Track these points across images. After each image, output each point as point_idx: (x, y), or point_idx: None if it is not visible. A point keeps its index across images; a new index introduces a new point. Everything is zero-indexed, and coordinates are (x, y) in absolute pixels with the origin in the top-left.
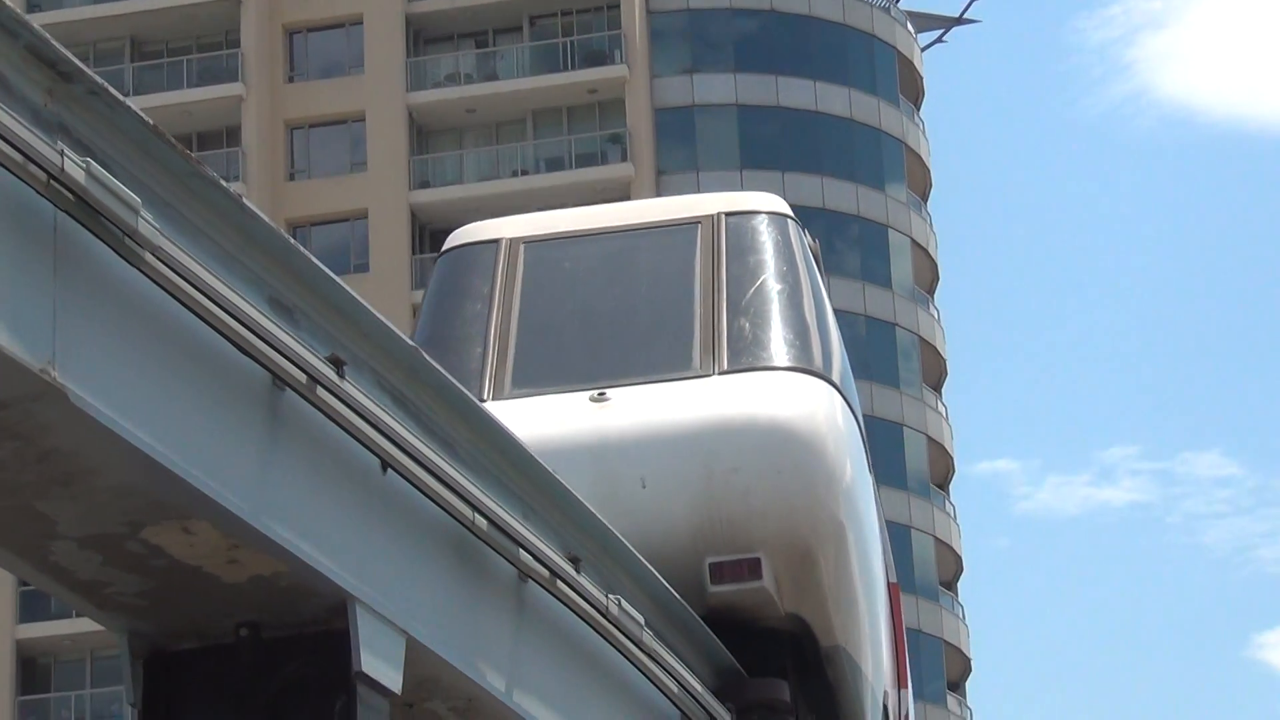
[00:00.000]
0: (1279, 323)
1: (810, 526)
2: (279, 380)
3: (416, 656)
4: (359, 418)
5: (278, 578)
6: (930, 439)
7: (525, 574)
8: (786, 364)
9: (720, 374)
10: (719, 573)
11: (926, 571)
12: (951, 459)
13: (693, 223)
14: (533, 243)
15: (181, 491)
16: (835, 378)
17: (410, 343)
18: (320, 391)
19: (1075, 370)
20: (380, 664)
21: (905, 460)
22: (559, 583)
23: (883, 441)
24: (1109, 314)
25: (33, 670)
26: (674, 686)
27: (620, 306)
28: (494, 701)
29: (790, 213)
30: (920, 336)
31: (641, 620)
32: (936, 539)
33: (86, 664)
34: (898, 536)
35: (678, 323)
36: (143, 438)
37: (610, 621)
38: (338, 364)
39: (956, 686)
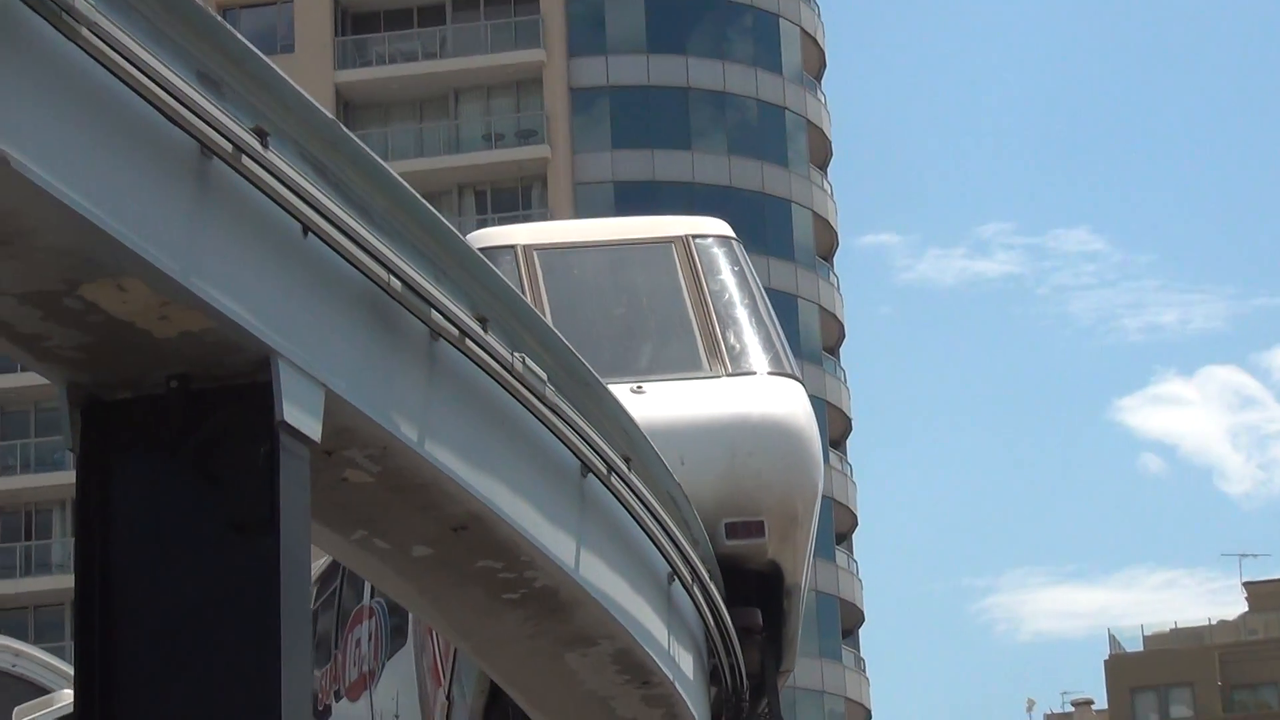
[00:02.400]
0: (1147, 106)
1: (800, 498)
2: (206, 149)
3: (335, 408)
4: (281, 185)
5: (205, 333)
6: (816, 214)
7: (436, 333)
8: (775, 370)
9: (728, 376)
10: (732, 531)
11: (811, 338)
12: (836, 233)
13: (666, 242)
14: (544, 250)
15: (115, 251)
16: (800, 376)
17: (330, 116)
18: (245, 160)
19: (955, 148)
20: (301, 414)
21: (793, 234)
22: (468, 341)
23: (773, 217)
24: (990, 94)
25: None
26: (575, 438)
27: (629, 311)
28: (407, 450)
29: (734, 235)
30: (808, 119)
31: (544, 377)
32: (821, 308)
33: (30, 414)
34: (785, 305)
35: (680, 329)
36: (79, 200)
37: (515, 378)
38: (261, 135)
39: (838, 444)
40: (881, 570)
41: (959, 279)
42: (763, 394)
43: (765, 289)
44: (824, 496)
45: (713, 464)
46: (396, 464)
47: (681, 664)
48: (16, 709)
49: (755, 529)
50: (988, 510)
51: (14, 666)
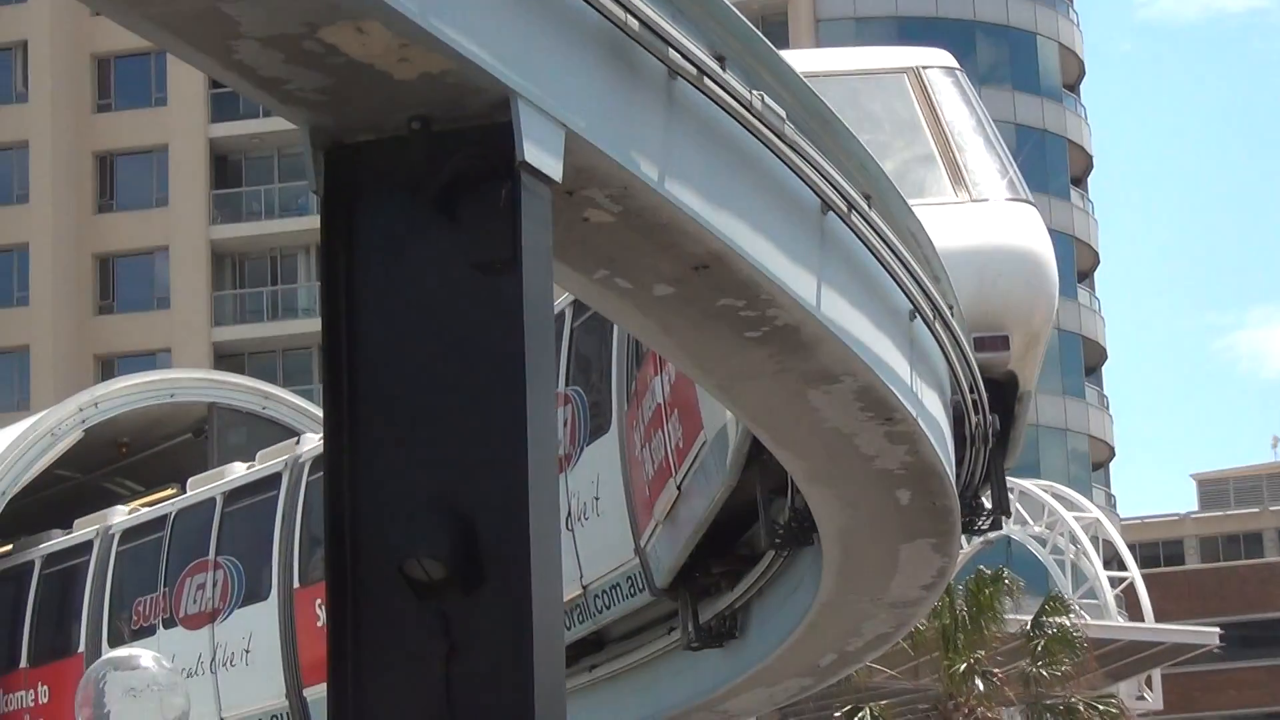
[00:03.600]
0: None
1: (1040, 316)
2: None
3: (574, 147)
4: None
5: (445, 75)
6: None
7: (674, 71)
8: (1012, 196)
9: (971, 202)
10: (980, 345)
11: (1050, 75)
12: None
13: (899, 72)
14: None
15: None
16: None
17: None
18: None
19: None
20: (541, 153)
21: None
22: (706, 79)
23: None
24: None
25: (224, 167)
26: (814, 176)
27: (871, 141)
28: (647, 189)
29: (958, 65)
30: None
31: (783, 114)
32: (1060, 44)
33: (274, 160)
34: (1022, 41)
35: (922, 157)
36: None
37: (754, 115)
38: None
39: (1079, 181)
40: (1124, 309)
41: (1201, 14)
42: (1006, 220)
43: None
44: (1064, 233)
45: (963, 286)
46: (637, 203)
47: (924, 400)
48: (260, 452)
49: (1001, 344)
50: (1232, 247)
51: (264, 409)
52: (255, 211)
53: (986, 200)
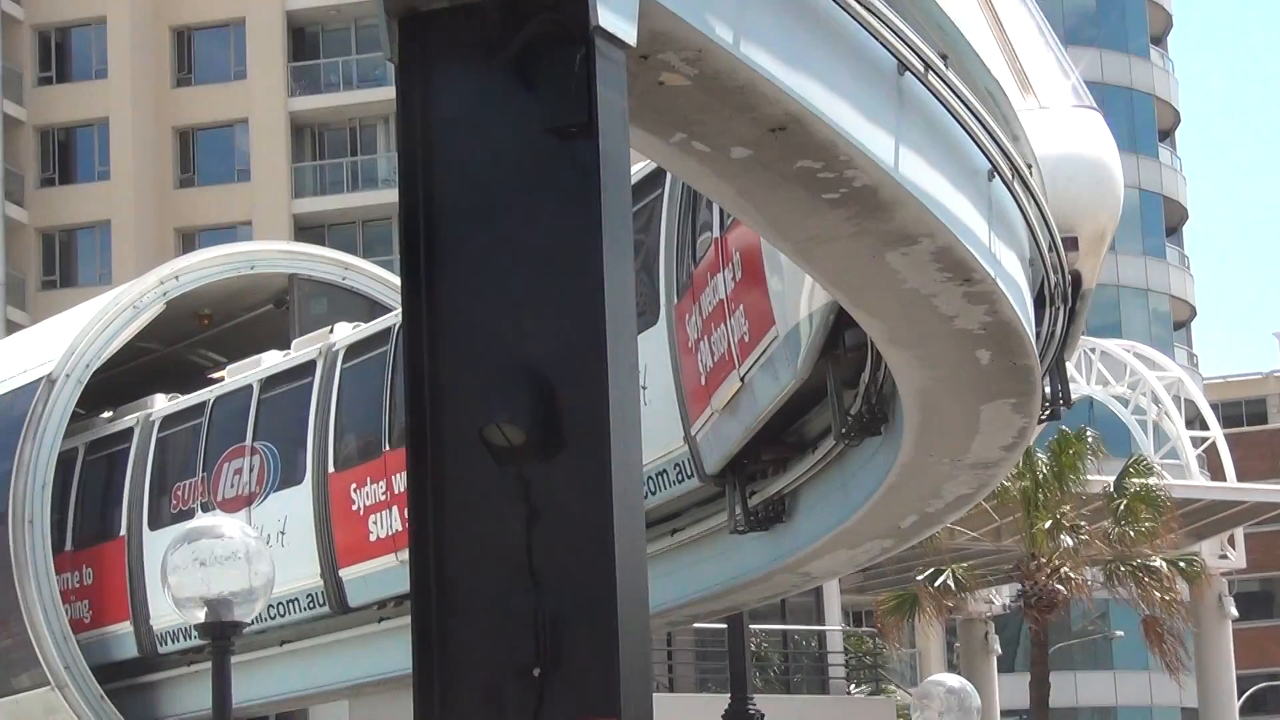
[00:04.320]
0: None
1: (1107, 218)
2: None
3: (649, 11)
4: None
5: None
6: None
7: None
8: (1079, 103)
9: (1042, 109)
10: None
11: (1138, 32)
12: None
13: None
14: None
15: None
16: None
17: None
18: None
19: None
20: (616, 18)
21: None
22: None
23: None
24: None
25: (302, 39)
26: (890, 36)
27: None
28: (723, 52)
29: None
30: None
31: None
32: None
33: (351, 31)
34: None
35: (989, 61)
36: None
37: None
38: None
39: (1166, 136)
40: (1206, 169)
41: None
42: (1073, 126)
43: None
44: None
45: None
46: (712, 66)
47: (1003, 260)
48: (295, 340)
49: (1070, 244)
50: None
51: (344, 279)
52: (333, 83)
53: (1050, 107)
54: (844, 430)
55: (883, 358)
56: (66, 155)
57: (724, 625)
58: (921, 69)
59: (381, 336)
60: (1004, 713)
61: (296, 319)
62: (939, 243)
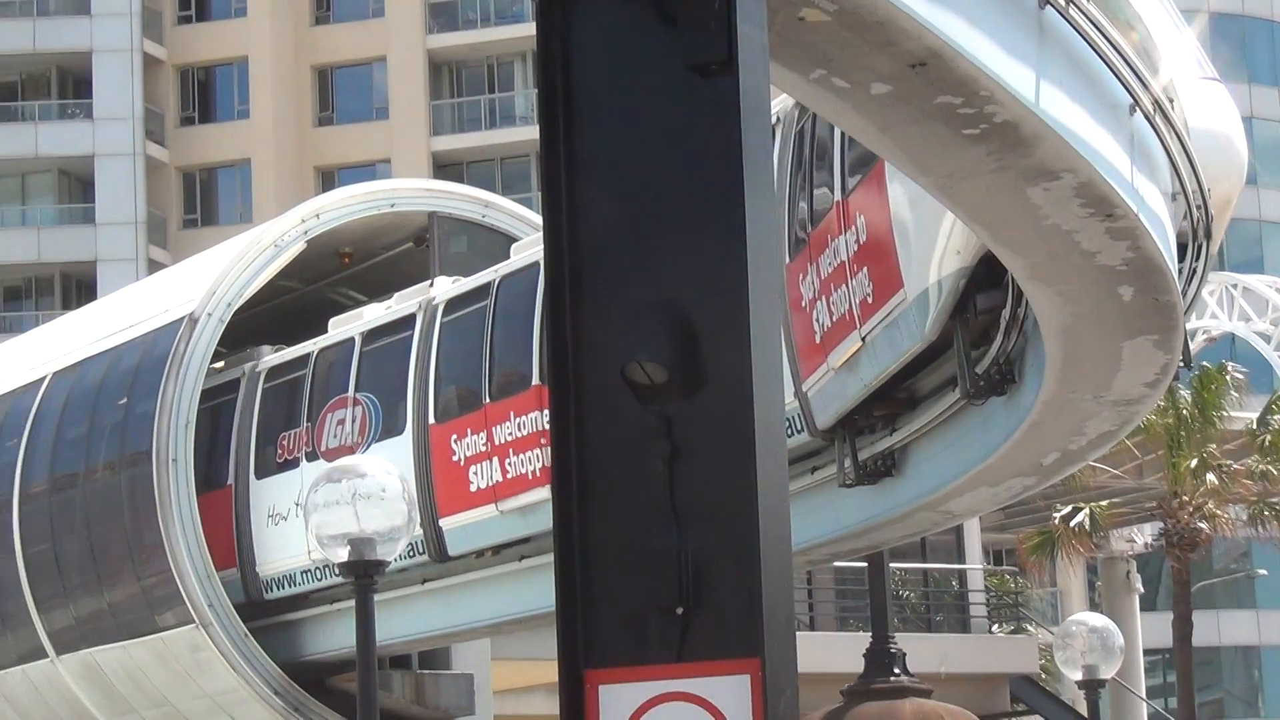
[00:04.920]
0: None
1: (1232, 183)
2: None
3: None
4: None
5: None
6: None
7: None
8: (1204, 75)
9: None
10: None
11: None
12: None
13: None
14: None
15: None
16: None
17: None
18: None
19: None
20: None
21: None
22: None
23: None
24: None
25: None
26: None
27: None
28: None
29: None
30: None
31: None
32: None
33: None
34: None
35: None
36: None
37: None
38: None
39: None
40: None
41: None
42: (1198, 98)
43: None
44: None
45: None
46: (852, 1)
47: (1145, 196)
48: (396, 294)
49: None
50: None
51: (484, 217)
52: (471, 20)
53: (1174, 79)
54: (970, 389)
55: (1015, 320)
56: (206, 94)
57: (864, 564)
58: (1063, 1)
59: (481, 291)
60: (1147, 651)
61: (436, 257)
62: (1081, 178)
